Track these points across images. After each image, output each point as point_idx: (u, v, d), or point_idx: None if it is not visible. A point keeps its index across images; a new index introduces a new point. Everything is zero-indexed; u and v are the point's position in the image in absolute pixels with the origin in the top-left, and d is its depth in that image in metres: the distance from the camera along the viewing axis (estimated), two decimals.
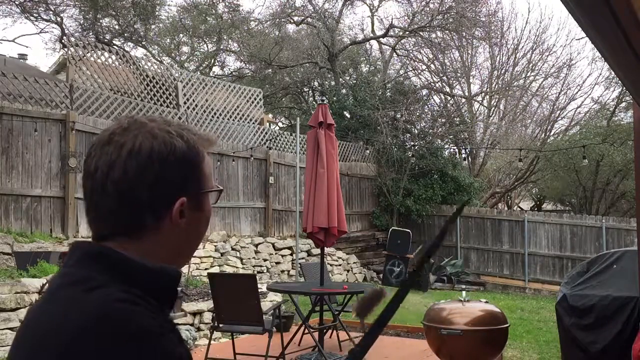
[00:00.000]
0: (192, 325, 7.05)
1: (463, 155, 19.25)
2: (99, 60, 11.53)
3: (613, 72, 4.55)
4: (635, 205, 5.55)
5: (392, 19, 25.59)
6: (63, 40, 16.50)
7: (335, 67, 18.94)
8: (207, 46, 22.14)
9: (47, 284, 0.95)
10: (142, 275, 0.87)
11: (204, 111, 13.00)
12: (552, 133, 22.19)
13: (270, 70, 20.36)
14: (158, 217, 0.91)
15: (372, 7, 20.65)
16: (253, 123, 14.06)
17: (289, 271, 11.86)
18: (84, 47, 11.39)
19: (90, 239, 0.95)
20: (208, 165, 0.98)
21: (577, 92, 22.25)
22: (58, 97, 9.48)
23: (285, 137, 14.00)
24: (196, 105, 12.94)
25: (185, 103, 12.71)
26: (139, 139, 0.90)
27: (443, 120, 18.73)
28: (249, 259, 11.18)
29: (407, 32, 19.29)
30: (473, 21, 18.66)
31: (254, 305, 5.40)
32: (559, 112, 21.89)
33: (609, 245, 13.49)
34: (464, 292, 5.17)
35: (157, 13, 19.60)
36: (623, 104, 20.10)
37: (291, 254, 12.00)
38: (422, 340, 6.13)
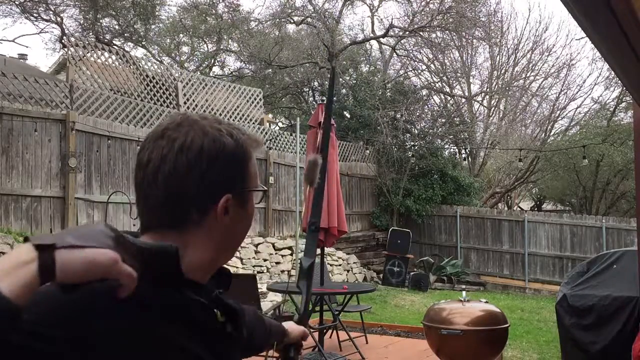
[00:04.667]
0: None
1: (463, 155, 19.27)
2: (99, 60, 11.53)
3: (613, 72, 4.55)
4: (635, 205, 5.55)
5: (392, 19, 25.64)
6: (63, 40, 16.50)
7: (335, 67, 18.93)
8: (207, 46, 22.15)
9: None
10: (144, 254, 0.88)
11: (204, 111, 12.99)
12: (552, 133, 22.20)
13: (270, 70, 20.35)
14: (203, 212, 0.93)
15: (372, 7, 20.66)
16: (253, 123, 14.06)
17: (289, 271, 11.86)
18: (84, 47, 11.39)
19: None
20: (254, 165, 1.01)
21: (577, 92, 22.29)
22: (58, 97, 9.48)
23: (285, 137, 14.00)
24: (196, 105, 12.94)
25: (185, 103, 12.71)
26: (191, 135, 0.93)
27: (443, 120, 18.73)
28: (249, 259, 11.18)
29: (407, 32, 19.28)
30: (473, 21, 18.65)
31: (254, 305, 5.40)
32: (559, 112, 21.91)
33: (609, 245, 13.49)
34: (464, 292, 5.17)
35: (157, 13, 19.60)
36: (623, 104, 20.11)
37: (291, 254, 12.00)
38: (422, 340, 6.13)
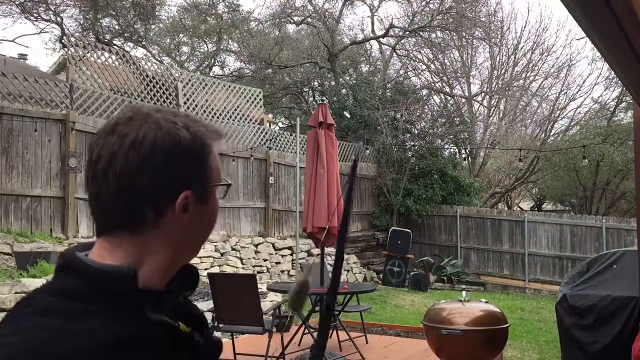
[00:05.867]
0: None
1: (463, 155, 19.27)
2: (99, 60, 11.53)
3: (613, 72, 4.55)
4: (635, 205, 5.55)
5: (392, 19, 25.59)
6: (63, 40, 16.50)
7: (335, 67, 18.95)
8: (207, 46, 22.16)
9: None
10: (100, 281, 0.83)
11: (204, 111, 13.00)
12: (552, 133, 22.20)
13: (270, 70, 20.36)
14: (160, 210, 0.87)
15: (372, 7, 20.67)
16: (253, 123, 14.06)
17: (289, 271, 11.86)
18: (84, 47, 11.39)
19: (90, 240, 0.92)
20: (215, 159, 0.94)
21: (577, 92, 22.28)
22: (58, 97, 9.48)
23: (285, 137, 14.00)
24: (196, 105, 12.94)
25: (185, 103, 12.70)
26: (143, 129, 0.87)
27: (443, 120, 18.73)
28: (249, 259, 11.19)
29: (407, 32, 19.29)
30: (473, 21, 18.67)
31: (254, 305, 5.40)
32: (559, 112, 21.90)
33: (609, 245, 13.48)
34: (464, 292, 5.17)
35: (157, 13, 19.62)
36: (623, 104, 20.11)
37: (291, 254, 12.00)
38: (422, 340, 6.13)
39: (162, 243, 0.88)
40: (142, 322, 0.83)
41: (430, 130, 17.63)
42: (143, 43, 20.53)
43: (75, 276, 0.84)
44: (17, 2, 16.69)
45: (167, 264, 0.90)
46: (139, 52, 20.41)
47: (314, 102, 21.02)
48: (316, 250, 11.22)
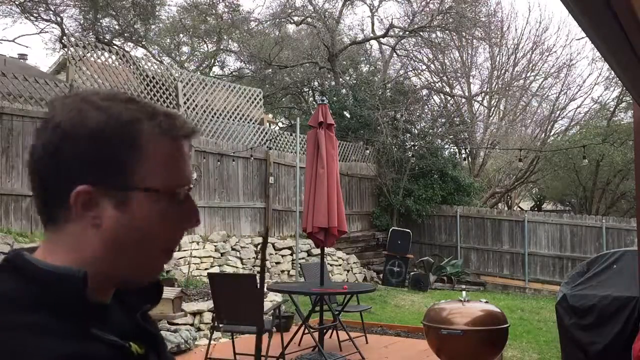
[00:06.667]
0: (192, 325, 7.05)
1: (463, 155, 19.28)
2: (99, 60, 11.53)
3: (613, 72, 4.55)
4: (635, 205, 5.56)
5: (392, 19, 25.64)
6: (63, 40, 16.50)
7: (335, 67, 18.95)
8: (207, 46, 22.17)
9: None
10: (44, 284, 0.71)
11: (204, 111, 13.00)
12: (552, 133, 22.21)
13: (270, 70, 20.37)
14: (65, 206, 0.74)
15: (372, 7, 20.67)
16: (253, 123, 14.06)
17: (289, 271, 11.86)
18: (84, 47, 11.39)
19: None
20: (153, 151, 0.75)
21: (577, 92, 22.30)
22: None
23: (285, 137, 14.01)
24: (196, 105, 12.94)
25: (185, 103, 12.70)
26: (57, 110, 0.75)
27: (443, 120, 18.74)
28: (249, 259, 11.19)
29: (407, 32, 19.30)
30: (473, 21, 18.68)
31: (254, 305, 5.40)
32: (559, 112, 21.92)
33: (609, 245, 13.48)
34: (464, 292, 5.16)
35: (157, 13, 19.63)
36: (623, 104, 20.11)
37: (291, 254, 12.00)
38: (422, 340, 6.13)
39: (82, 246, 0.75)
40: (86, 340, 0.70)
41: (430, 130, 17.63)
42: (143, 43, 20.54)
43: (15, 278, 0.71)
44: (17, 2, 16.69)
45: (95, 272, 0.75)
46: (139, 52, 20.45)
47: (314, 102, 21.02)
48: (316, 250, 11.22)
